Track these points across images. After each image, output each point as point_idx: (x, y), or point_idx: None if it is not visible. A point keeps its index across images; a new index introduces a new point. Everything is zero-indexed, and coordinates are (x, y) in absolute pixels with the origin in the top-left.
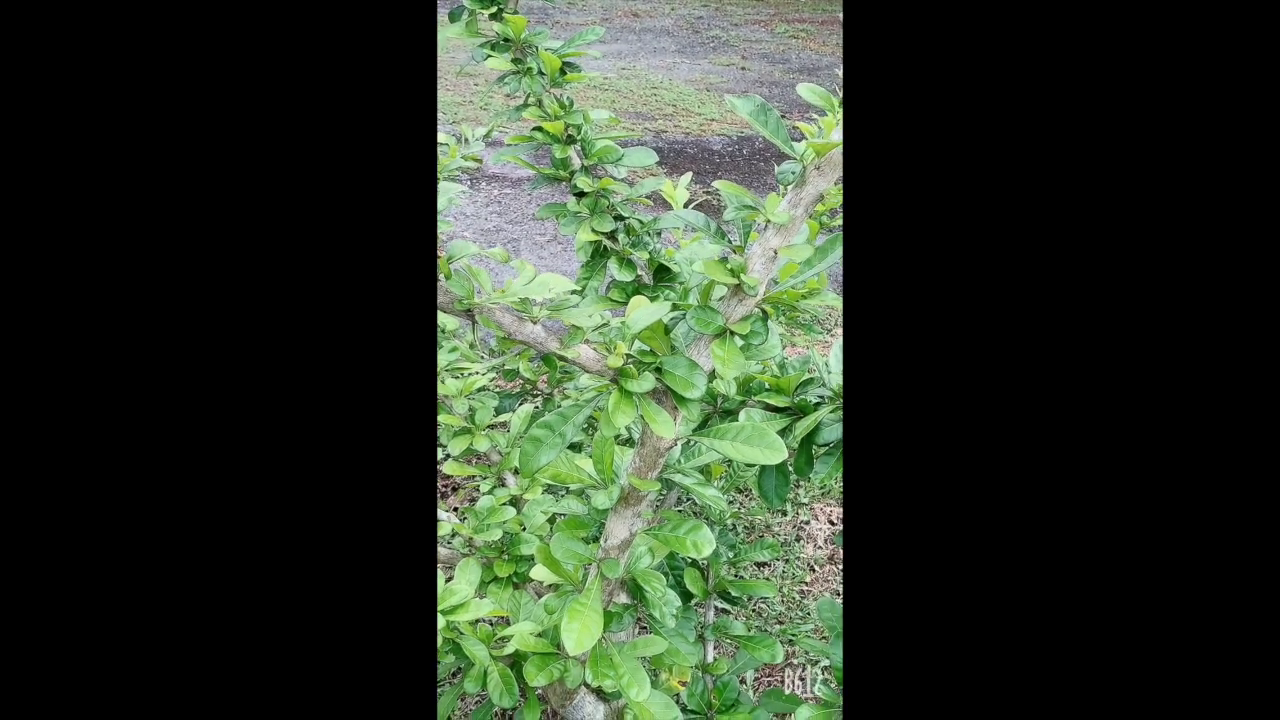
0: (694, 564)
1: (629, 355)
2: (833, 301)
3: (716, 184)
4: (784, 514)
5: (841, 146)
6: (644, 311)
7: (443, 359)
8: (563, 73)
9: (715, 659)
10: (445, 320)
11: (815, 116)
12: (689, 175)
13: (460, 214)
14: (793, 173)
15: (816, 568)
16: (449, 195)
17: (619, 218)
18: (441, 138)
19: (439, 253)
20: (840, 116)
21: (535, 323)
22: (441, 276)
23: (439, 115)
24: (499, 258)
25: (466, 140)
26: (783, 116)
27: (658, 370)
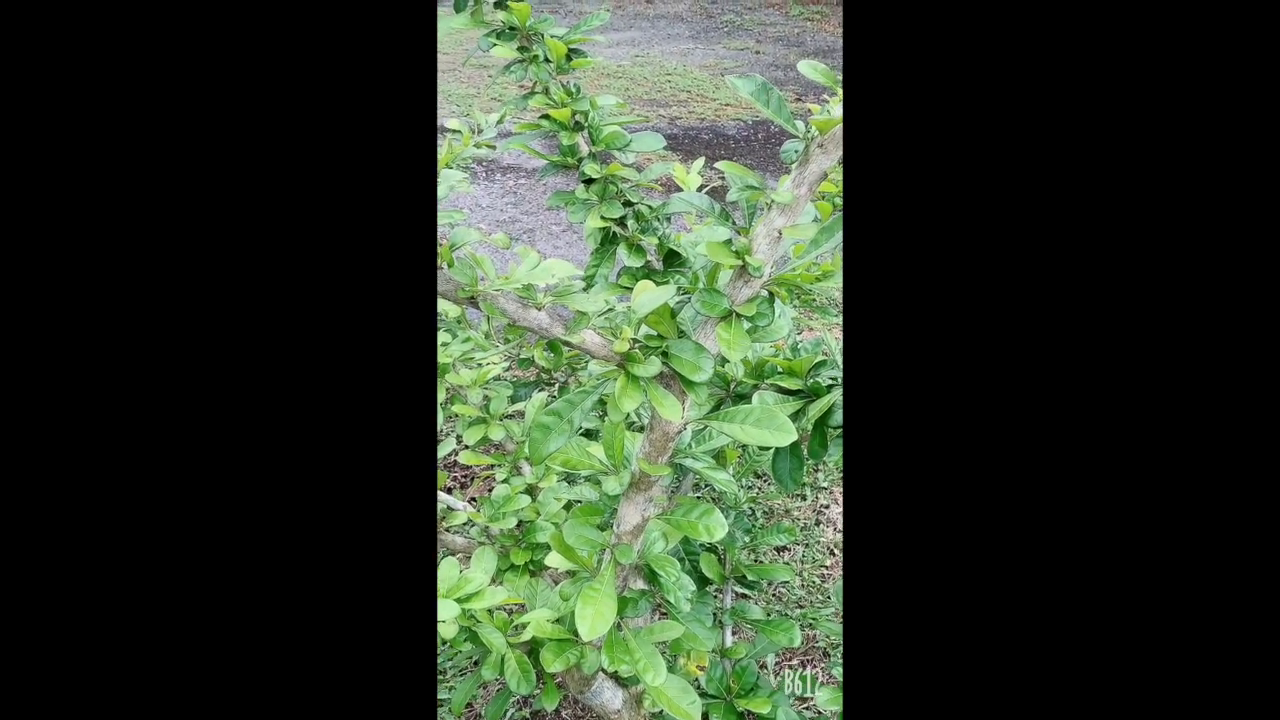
0: (710, 549)
1: (635, 340)
2: None
3: (720, 165)
4: (803, 498)
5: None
6: (649, 295)
7: (457, 349)
8: (569, 59)
9: (734, 643)
10: (452, 309)
11: (828, 98)
12: (701, 160)
13: (475, 205)
14: (796, 151)
15: (836, 552)
16: (450, 183)
17: (628, 204)
18: (455, 124)
19: (443, 241)
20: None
21: (540, 309)
22: (445, 264)
23: (451, 107)
24: (500, 244)
25: (481, 129)
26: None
27: (664, 354)
